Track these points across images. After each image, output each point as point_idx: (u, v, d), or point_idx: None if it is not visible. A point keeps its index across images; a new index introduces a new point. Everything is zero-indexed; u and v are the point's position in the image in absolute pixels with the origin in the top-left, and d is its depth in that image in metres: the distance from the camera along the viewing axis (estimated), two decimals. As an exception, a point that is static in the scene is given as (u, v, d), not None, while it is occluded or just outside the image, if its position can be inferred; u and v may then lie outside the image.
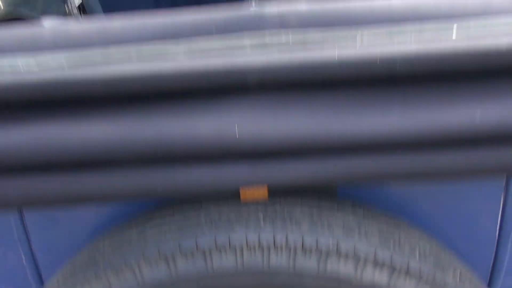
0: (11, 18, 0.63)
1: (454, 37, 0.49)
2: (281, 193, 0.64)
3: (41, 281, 0.76)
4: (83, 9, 1.37)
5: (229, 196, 0.64)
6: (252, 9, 0.56)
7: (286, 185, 0.54)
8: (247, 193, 0.63)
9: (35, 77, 0.49)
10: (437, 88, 0.50)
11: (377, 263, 0.58)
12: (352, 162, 0.52)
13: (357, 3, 0.58)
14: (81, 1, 1.35)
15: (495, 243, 0.72)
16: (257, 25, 0.53)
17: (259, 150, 0.51)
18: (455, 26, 0.50)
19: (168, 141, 0.50)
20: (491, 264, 0.74)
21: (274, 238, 0.58)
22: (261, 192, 0.63)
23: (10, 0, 0.97)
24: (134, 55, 0.50)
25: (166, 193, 0.56)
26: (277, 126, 0.50)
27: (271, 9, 0.55)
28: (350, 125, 0.50)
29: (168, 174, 0.53)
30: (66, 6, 1.29)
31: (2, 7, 0.93)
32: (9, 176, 0.53)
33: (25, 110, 0.51)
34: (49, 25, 0.59)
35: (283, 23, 0.53)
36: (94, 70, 0.49)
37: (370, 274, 0.58)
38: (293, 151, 0.52)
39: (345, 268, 0.58)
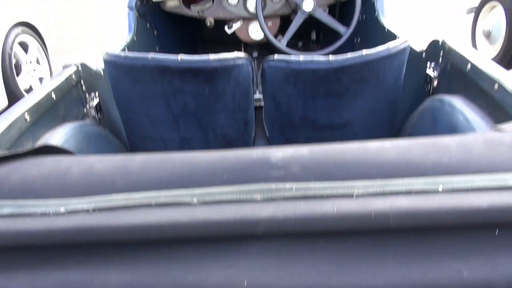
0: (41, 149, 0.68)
1: (440, 195, 0.53)
2: None
3: None
4: (100, 109, 1.45)
5: None
6: (259, 154, 0.61)
7: None
8: None
9: (63, 221, 0.53)
10: (427, 242, 0.54)
11: None
12: None
13: (355, 145, 0.63)
14: (98, 101, 1.43)
15: None
16: (264, 171, 0.58)
17: None
18: (441, 186, 0.54)
19: None
20: None
21: None
22: None
23: (35, 117, 1.03)
24: (153, 202, 0.55)
25: None
26: (282, 276, 0.53)
27: (276, 154, 0.61)
28: (348, 277, 0.53)
29: None
30: (85, 108, 1.38)
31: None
32: None
33: (51, 254, 0.54)
34: (76, 162, 0.64)
35: (287, 169, 0.59)
36: (116, 217, 0.53)
37: None
38: None
39: None
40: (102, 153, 1.30)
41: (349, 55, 1.17)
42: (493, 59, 3.63)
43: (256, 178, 0.57)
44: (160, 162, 0.62)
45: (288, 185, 0.56)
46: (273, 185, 0.56)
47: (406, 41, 1.23)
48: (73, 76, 1.32)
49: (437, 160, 0.59)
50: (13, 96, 3.21)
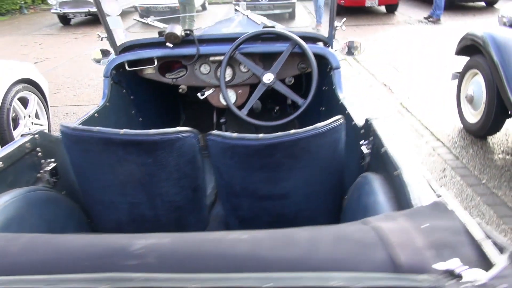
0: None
1: None
2: None
3: None
4: (55, 173, 1.53)
5: None
6: (122, 241, 0.66)
7: None
8: None
9: None
10: None
11: None
12: None
13: (215, 235, 0.67)
14: (54, 165, 1.53)
15: None
16: (122, 259, 0.62)
17: None
18: (269, 283, 0.56)
19: None
20: None
21: None
22: None
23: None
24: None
25: None
26: None
27: (139, 241, 0.65)
28: None
29: None
30: (38, 173, 1.47)
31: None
32: None
33: None
34: None
35: (144, 259, 0.62)
36: None
37: None
38: None
39: None
40: (48, 217, 1.37)
41: (279, 133, 1.25)
42: (477, 123, 3.70)
43: (113, 266, 0.62)
44: (35, 245, 0.68)
45: (137, 275, 0.59)
46: (124, 275, 0.59)
47: (337, 120, 1.31)
48: (27, 144, 1.42)
49: (282, 255, 0.62)
50: (8, 148, 3.36)
